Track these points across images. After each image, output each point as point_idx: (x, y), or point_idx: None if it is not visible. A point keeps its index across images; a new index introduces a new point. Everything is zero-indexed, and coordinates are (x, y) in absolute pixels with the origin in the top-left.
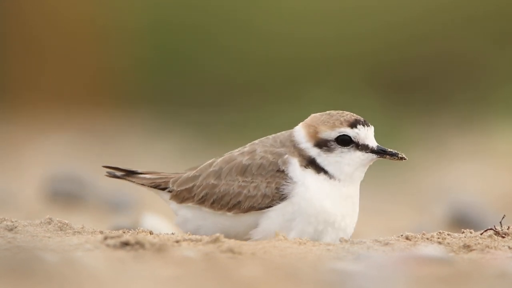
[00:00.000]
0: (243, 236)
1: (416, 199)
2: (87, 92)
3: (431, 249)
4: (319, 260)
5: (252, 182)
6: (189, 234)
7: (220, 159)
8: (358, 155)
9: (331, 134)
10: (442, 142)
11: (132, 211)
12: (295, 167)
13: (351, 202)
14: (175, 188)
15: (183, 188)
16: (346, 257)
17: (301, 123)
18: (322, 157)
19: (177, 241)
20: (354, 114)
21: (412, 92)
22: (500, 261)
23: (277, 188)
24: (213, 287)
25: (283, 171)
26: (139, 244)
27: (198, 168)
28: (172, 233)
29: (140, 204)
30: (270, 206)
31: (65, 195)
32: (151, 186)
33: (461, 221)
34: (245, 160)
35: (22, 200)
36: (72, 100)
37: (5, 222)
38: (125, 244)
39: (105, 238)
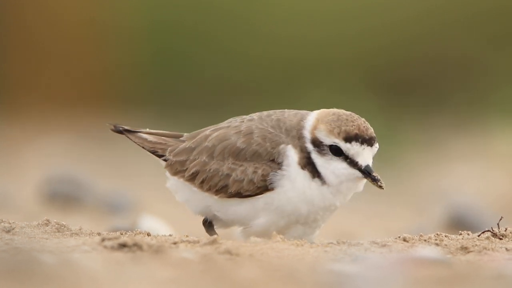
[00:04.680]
0: (226, 220)
1: (413, 201)
2: (86, 93)
3: (428, 251)
4: (317, 262)
5: (241, 165)
6: (186, 236)
7: (215, 134)
8: (344, 166)
9: (326, 139)
10: (440, 143)
11: (130, 212)
12: (291, 163)
13: (332, 209)
14: (171, 157)
15: (177, 159)
16: (344, 259)
17: (315, 112)
18: (314, 155)
19: (175, 243)
20: (362, 125)
21: (410, 93)
22: (498, 262)
23: (263, 176)
24: None
25: (277, 163)
26: (137, 246)
27: (195, 140)
28: (170, 235)
29: (138, 205)
30: (256, 194)
31: (63, 197)
32: (150, 151)
33: (458, 223)
34: (239, 142)
35: (20, 202)
36: (71, 102)
37: (2, 224)
38: (123, 245)
39: (103, 239)
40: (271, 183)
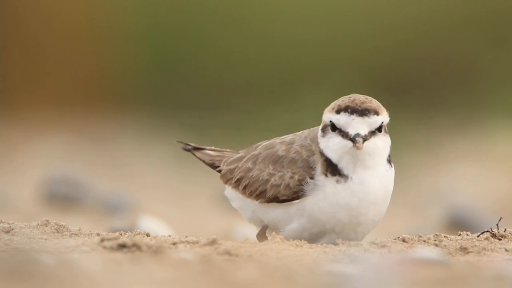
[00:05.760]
0: (272, 225)
1: (413, 202)
2: (84, 94)
3: (427, 252)
4: (316, 263)
5: (280, 171)
6: (186, 236)
7: (265, 143)
8: (339, 140)
9: (325, 118)
10: (439, 144)
11: (129, 213)
12: (319, 172)
13: (369, 203)
14: (224, 167)
15: (228, 168)
16: (343, 260)
17: None
18: (320, 140)
19: (174, 243)
20: (359, 99)
21: (408, 94)
22: (497, 263)
23: (299, 181)
24: None
25: (313, 168)
26: (136, 246)
27: (246, 149)
28: (169, 235)
29: (137, 206)
30: (292, 199)
31: (62, 197)
32: (208, 164)
33: (458, 224)
34: (281, 150)
35: (19, 202)
36: (69, 102)
37: (2, 224)
38: (122, 246)
39: (102, 240)
40: (304, 191)
